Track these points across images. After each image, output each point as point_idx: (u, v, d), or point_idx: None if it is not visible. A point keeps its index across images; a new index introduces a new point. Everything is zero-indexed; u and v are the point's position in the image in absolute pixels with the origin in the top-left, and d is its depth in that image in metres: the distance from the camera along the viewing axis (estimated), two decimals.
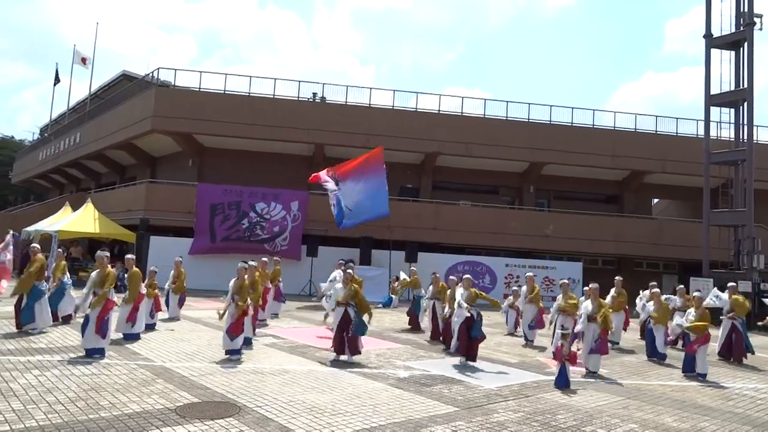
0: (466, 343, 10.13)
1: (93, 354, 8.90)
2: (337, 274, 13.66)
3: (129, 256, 11.65)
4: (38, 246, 11.99)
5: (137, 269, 11.13)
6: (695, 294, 11.26)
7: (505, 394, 8.11)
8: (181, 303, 14.26)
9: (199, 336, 11.59)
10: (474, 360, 10.16)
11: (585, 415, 7.22)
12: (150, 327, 11.97)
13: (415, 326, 14.47)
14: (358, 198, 19.81)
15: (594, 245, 25.78)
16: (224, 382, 7.83)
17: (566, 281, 12.10)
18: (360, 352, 9.93)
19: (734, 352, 12.15)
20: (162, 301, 13.21)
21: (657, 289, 12.67)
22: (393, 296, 19.09)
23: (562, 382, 8.74)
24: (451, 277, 12.41)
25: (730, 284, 13.04)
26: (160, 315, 13.00)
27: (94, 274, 9.36)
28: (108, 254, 9.76)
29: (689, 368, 10.24)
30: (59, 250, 14.49)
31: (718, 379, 10.10)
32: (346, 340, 9.78)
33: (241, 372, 8.52)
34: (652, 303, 12.45)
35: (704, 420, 7.36)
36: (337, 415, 6.60)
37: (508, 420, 6.83)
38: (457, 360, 10.27)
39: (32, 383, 7.16)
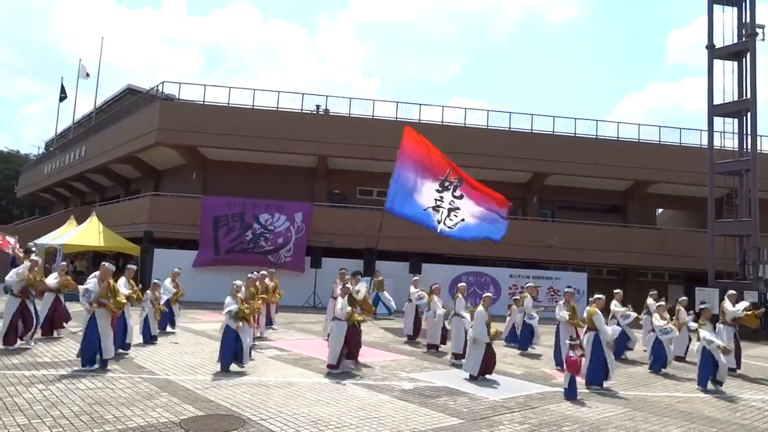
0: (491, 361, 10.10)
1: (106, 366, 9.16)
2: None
3: (130, 266, 11.74)
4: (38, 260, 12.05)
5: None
6: (702, 306, 11.14)
7: (511, 406, 8.07)
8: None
9: (203, 349, 11.58)
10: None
11: (591, 427, 7.17)
12: (153, 339, 12.08)
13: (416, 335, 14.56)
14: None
15: (598, 256, 25.69)
16: (228, 395, 7.82)
17: (570, 290, 12.08)
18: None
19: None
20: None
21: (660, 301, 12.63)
22: (378, 294, 18.87)
23: (572, 394, 8.69)
24: (460, 284, 12.23)
25: (730, 292, 12.95)
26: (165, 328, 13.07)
27: (94, 281, 9.41)
28: (113, 267, 9.81)
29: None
30: (63, 263, 14.54)
31: (726, 390, 10.02)
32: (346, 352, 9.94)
33: (245, 385, 8.50)
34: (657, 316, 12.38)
35: None
36: (341, 428, 6.57)
37: None
38: (460, 371, 10.21)
39: (37, 397, 7.16)
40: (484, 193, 16.31)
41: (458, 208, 15.62)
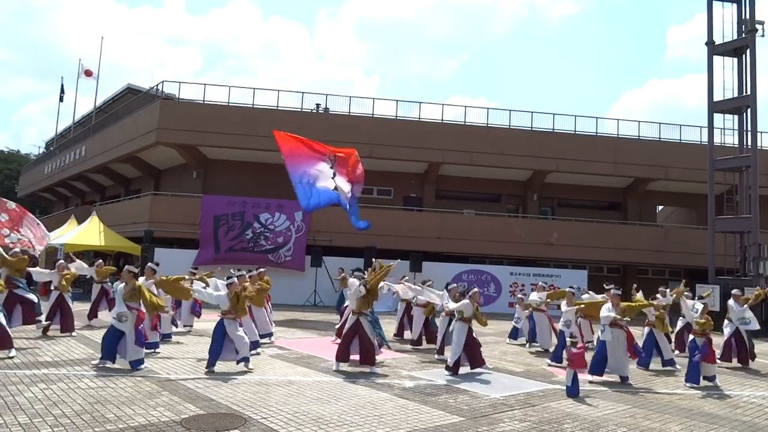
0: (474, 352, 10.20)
1: (138, 366, 9.10)
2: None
3: (151, 264, 11.76)
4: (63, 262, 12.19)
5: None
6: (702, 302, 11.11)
7: (511, 404, 8.07)
8: (194, 310, 14.20)
9: (204, 348, 11.53)
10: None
11: (591, 425, 7.18)
12: (166, 336, 12.16)
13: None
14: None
15: (598, 253, 25.73)
16: (229, 393, 7.83)
17: (572, 289, 12.11)
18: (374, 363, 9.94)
19: (740, 355, 12.27)
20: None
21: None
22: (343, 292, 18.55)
23: (574, 390, 8.70)
24: (475, 289, 11.86)
25: (734, 291, 12.98)
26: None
27: (121, 286, 9.46)
28: (136, 270, 9.85)
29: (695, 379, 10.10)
30: (61, 261, 14.53)
31: (726, 387, 10.03)
32: (359, 349, 9.93)
33: (246, 383, 8.51)
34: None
35: (712, 428, 7.31)
36: (342, 426, 6.58)
37: (513, 430, 6.80)
38: (462, 369, 10.22)
39: (38, 396, 7.17)
40: (348, 170, 16.28)
41: (340, 185, 15.84)
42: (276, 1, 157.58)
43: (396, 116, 26.63)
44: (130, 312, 9.26)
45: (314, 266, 22.36)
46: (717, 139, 22.70)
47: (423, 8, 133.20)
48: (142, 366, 9.18)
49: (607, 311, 10.00)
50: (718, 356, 11.48)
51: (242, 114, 25.37)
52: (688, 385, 9.96)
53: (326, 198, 15.82)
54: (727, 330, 12.58)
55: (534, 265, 25.51)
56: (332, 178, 15.61)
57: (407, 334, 14.27)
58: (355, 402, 7.70)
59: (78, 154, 33.87)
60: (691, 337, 10.57)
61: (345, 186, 16.00)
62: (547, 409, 7.90)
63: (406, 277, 14.15)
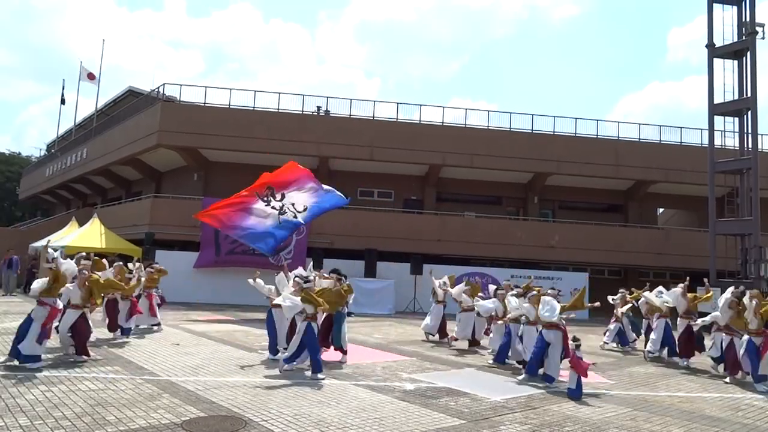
0: None
1: (28, 361, 8.87)
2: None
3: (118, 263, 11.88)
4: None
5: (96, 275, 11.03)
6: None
7: (512, 406, 8.07)
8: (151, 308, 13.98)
9: (203, 350, 11.59)
10: None
11: (592, 428, 7.17)
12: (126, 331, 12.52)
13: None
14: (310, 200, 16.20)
15: (599, 255, 25.70)
16: (230, 396, 7.83)
17: (508, 283, 12.50)
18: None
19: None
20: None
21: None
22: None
23: (577, 393, 8.69)
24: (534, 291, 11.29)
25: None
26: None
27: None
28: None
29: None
30: (119, 263, 14.44)
31: (727, 389, 10.02)
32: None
33: (246, 386, 8.51)
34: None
35: (713, 431, 7.30)
36: (343, 428, 6.58)
37: None
38: (463, 371, 10.21)
39: (39, 399, 7.18)
40: (292, 177, 15.84)
41: (293, 203, 15.46)
42: (277, 4, 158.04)
43: (396, 119, 26.66)
44: (43, 308, 9.14)
45: (315, 269, 22.30)
46: (718, 142, 22.69)
47: (424, 10, 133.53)
48: (36, 365, 8.89)
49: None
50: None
51: (243, 116, 25.41)
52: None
53: (278, 236, 15.47)
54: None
55: (535, 267, 25.49)
56: (275, 210, 15.26)
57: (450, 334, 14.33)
58: (356, 405, 7.70)
59: (79, 156, 33.92)
60: (746, 337, 10.34)
61: (300, 197, 15.53)
62: (548, 411, 7.89)
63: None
